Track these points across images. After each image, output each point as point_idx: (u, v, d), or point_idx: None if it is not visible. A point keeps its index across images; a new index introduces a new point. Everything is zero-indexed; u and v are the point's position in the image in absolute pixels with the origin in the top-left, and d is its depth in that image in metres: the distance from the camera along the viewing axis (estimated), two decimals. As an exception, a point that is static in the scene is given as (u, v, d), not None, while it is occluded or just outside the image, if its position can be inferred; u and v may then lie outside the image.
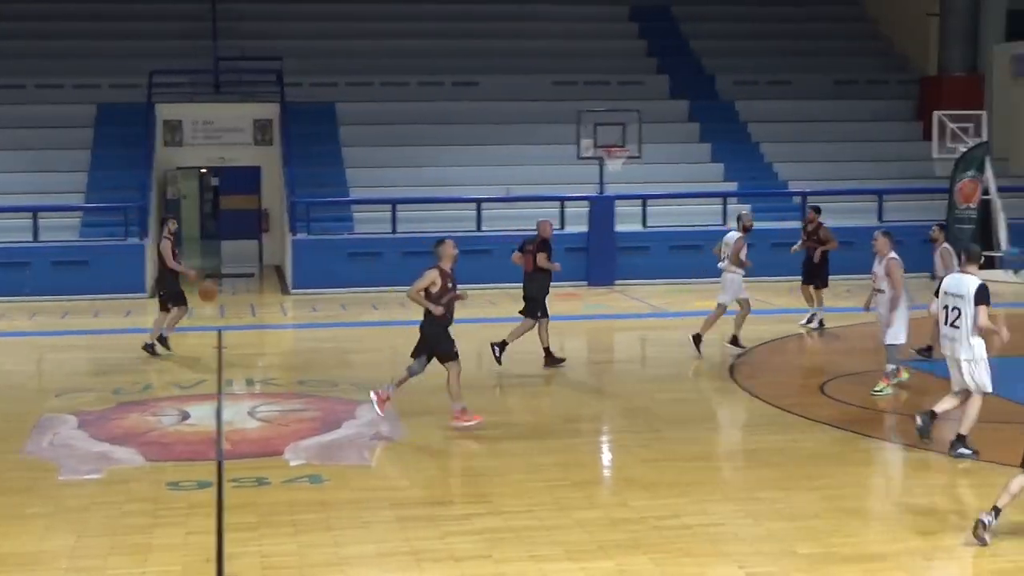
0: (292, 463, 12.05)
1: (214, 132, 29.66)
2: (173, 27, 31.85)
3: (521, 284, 17.07)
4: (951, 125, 27.07)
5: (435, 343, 13.40)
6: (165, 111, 29.31)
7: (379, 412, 13.38)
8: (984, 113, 27.82)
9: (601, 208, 25.66)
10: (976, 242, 22.76)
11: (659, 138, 28.24)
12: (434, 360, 13.43)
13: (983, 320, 11.72)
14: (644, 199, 26.51)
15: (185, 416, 14.12)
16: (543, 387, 15.89)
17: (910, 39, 34.35)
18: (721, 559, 9.30)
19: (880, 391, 15.03)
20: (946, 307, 11.99)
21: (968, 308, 11.74)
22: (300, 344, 18.23)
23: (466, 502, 10.78)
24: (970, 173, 26.36)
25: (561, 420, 13.95)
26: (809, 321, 20.00)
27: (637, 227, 26.10)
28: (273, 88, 29.55)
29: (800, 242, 20.96)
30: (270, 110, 29.59)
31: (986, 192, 26.37)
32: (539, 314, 16.89)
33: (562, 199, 26.29)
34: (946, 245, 16.82)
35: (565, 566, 9.15)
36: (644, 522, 10.15)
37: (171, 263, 17.89)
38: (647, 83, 31.96)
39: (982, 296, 11.71)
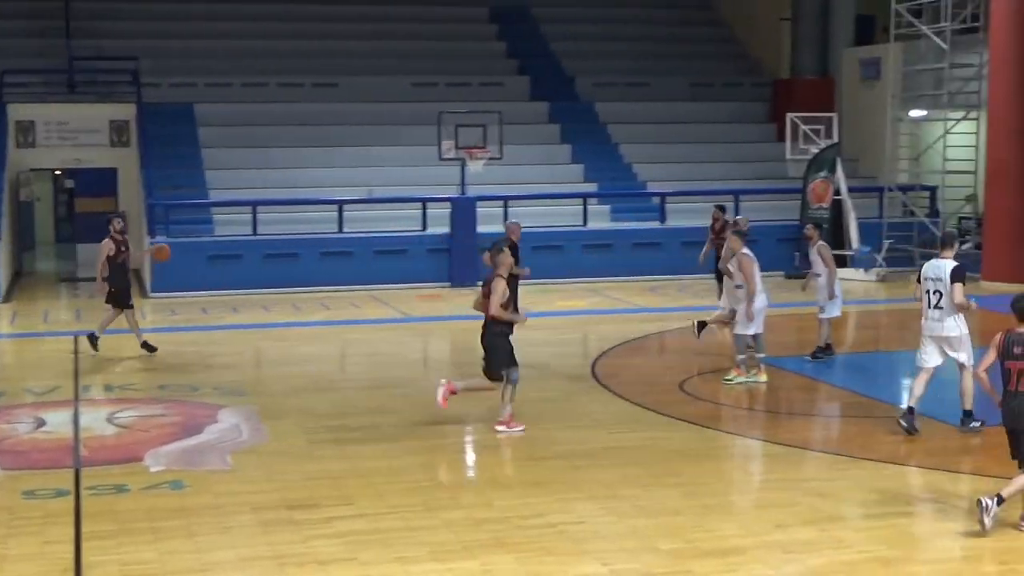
0: (152, 469, 11.88)
1: (69, 133, 29.00)
2: (24, 25, 31.07)
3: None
4: (803, 127, 27.67)
5: (511, 349, 13.33)
6: (17, 111, 28.61)
7: (516, 429, 13.20)
8: (835, 115, 28.49)
9: (463, 209, 25.73)
10: (828, 241, 23.33)
11: (520, 139, 28.40)
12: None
13: (959, 297, 12.63)
14: (506, 200, 26.64)
15: (40, 423, 13.83)
16: (406, 388, 15.87)
17: (763, 43, 35.08)
18: (584, 557, 9.41)
19: (731, 380, 15.45)
20: (928, 292, 12.82)
21: (947, 289, 12.69)
22: (160, 348, 17.94)
23: (329, 505, 10.73)
24: (822, 174, 26.99)
25: (424, 421, 13.94)
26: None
27: (499, 228, 26.17)
28: (130, 88, 29.05)
29: (708, 243, 21.32)
30: (127, 111, 29.05)
31: (837, 192, 27.00)
32: None
33: (424, 200, 26.29)
34: (822, 243, 17.24)
35: (430, 567, 9.18)
36: (508, 521, 10.22)
37: (100, 267, 17.60)
38: (508, 84, 32.11)
39: (957, 275, 12.70)
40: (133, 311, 17.99)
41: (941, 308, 12.78)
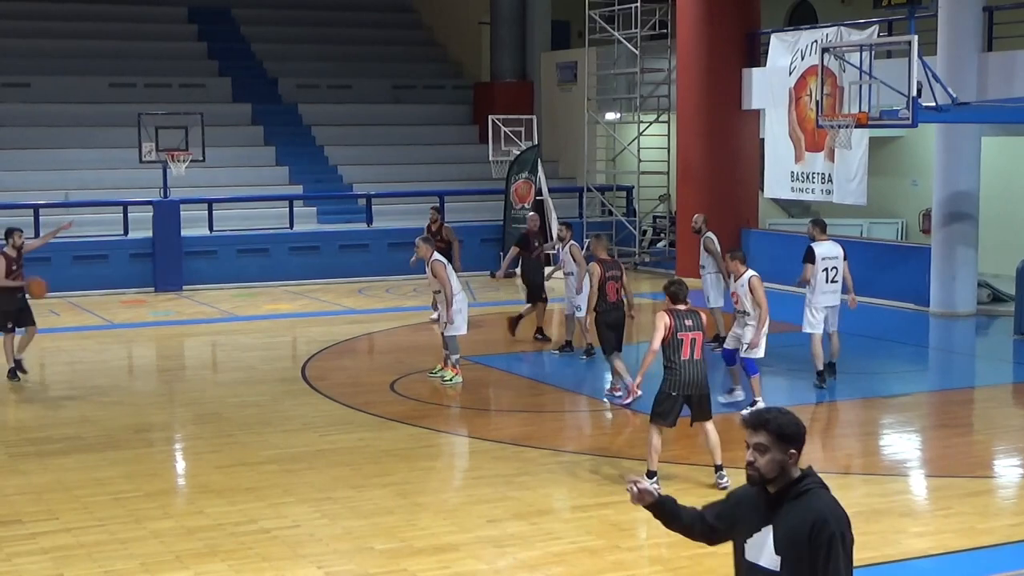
0: None
1: None
2: None
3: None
4: (504, 129, 28.25)
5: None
6: None
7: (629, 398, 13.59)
8: (534, 117, 29.20)
9: (165, 212, 25.17)
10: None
11: (223, 141, 28.01)
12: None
13: (806, 274, 15.25)
14: (210, 203, 26.21)
15: None
16: (110, 397, 15.46)
17: (463, 46, 35.62)
18: (299, 561, 9.42)
19: (436, 372, 15.69)
20: (825, 270, 15.19)
21: (841, 265, 15.26)
22: None
23: (32, 520, 10.38)
24: (524, 175, 27.63)
25: (129, 430, 13.63)
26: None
27: (204, 231, 25.78)
28: None
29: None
30: None
31: (539, 193, 27.67)
32: (543, 297, 18.99)
33: (124, 204, 25.61)
34: (573, 242, 17.65)
35: (141, 579, 9.03)
36: (221, 529, 10.13)
37: (2, 280, 15.93)
38: (209, 86, 31.59)
39: (809, 257, 15.24)
40: (10, 334, 16.37)
41: (836, 282, 15.30)
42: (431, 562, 9.37)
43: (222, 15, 34.43)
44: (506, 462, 12.51)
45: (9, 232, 16.53)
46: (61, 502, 10.90)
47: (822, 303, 15.32)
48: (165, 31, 33.55)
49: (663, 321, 10.93)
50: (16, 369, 16.29)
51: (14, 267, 16.10)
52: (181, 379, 17.28)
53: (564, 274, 17.66)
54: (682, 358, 10.90)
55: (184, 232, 25.18)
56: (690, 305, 11.20)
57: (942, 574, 9.45)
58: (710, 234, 18.11)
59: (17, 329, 16.32)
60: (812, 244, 15.44)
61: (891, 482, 11.59)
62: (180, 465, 12.88)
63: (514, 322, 18.89)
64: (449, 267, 15.66)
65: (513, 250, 19.43)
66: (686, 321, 10.95)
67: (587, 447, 12.96)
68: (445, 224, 21.12)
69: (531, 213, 21.35)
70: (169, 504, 10.96)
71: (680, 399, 11.03)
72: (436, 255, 15.63)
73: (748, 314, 14.09)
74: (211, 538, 9.90)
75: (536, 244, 19.24)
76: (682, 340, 10.90)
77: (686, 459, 12.35)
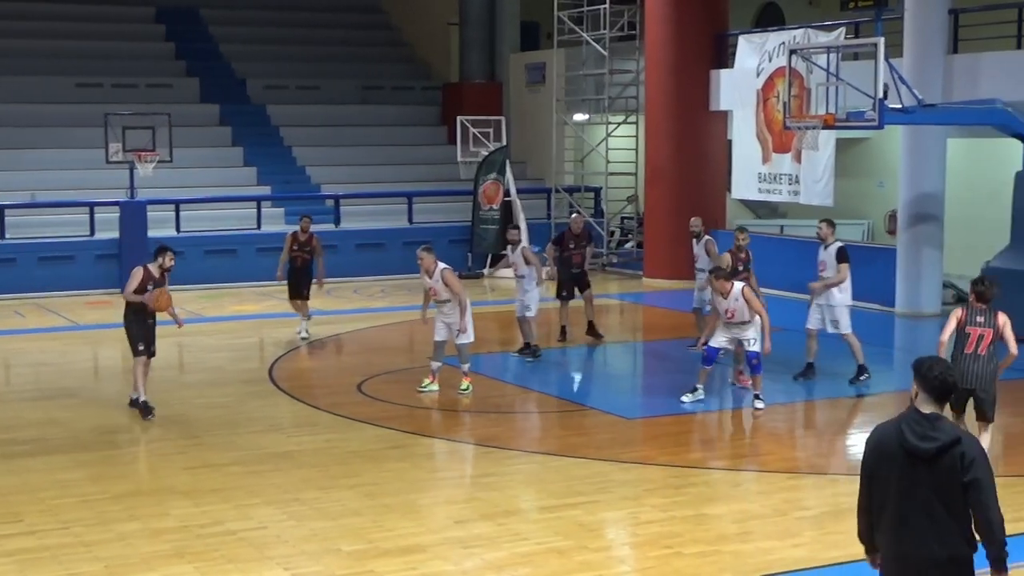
0: None
1: None
2: None
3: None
4: (473, 130, 28.24)
5: None
6: None
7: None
8: (503, 119, 29.20)
9: (132, 213, 25.03)
10: (498, 241, 23.99)
11: (191, 142, 27.88)
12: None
13: (844, 273, 15.66)
14: (177, 204, 26.10)
15: None
16: (75, 399, 15.38)
17: (432, 47, 35.59)
18: (266, 563, 9.39)
19: (426, 388, 15.43)
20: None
21: (834, 266, 15.55)
22: None
23: (-3, 523, 10.33)
24: (492, 176, 27.63)
25: (95, 432, 13.56)
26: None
27: (171, 232, 25.66)
28: None
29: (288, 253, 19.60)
30: None
31: (507, 194, 27.69)
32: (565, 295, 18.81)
33: (91, 204, 25.46)
34: (525, 244, 17.64)
35: (106, 582, 8.99)
36: (187, 531, 10.09)
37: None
38: (177, 86, 31.43)
39: (842, 256, 15.67)
40: None
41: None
42: (398, 563, 9.35)
43: (190, 15, 34.28)
44: (473, 463, 12.53)
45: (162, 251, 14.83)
46: (26, 504, 10.83)
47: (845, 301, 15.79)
48: (132, 31, 33.38)
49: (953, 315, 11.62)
50: None
51: (149, 285, 14.47)
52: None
53: (516, 276, 17.53)
54: (964, 351, 11.40)
55: (151, 233, 25.03)
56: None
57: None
58: (710, 237, 18.20)
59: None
60: (844, 246, 15.87)
61: (856, 482, 11.61)
62: (146, 467, 12.81)
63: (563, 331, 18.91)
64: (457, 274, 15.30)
65: (549, 248, 19.15)
66: (978, 317, 11.45)
67: (554, 448, 12.97)
68: (315, 235, 19.78)
69: (575, 215, 20.71)
70: (135, 506, 10.88)
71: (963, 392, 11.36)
72: (443, 264, 15.14)
73: (748, 322, 14.21)
74: (177, 540, 9.86)
75: (572, 245, 18.84)
76: (969, 334, 11.41)
77: (654, 460, 12.39)
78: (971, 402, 11.54)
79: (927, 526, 5.97)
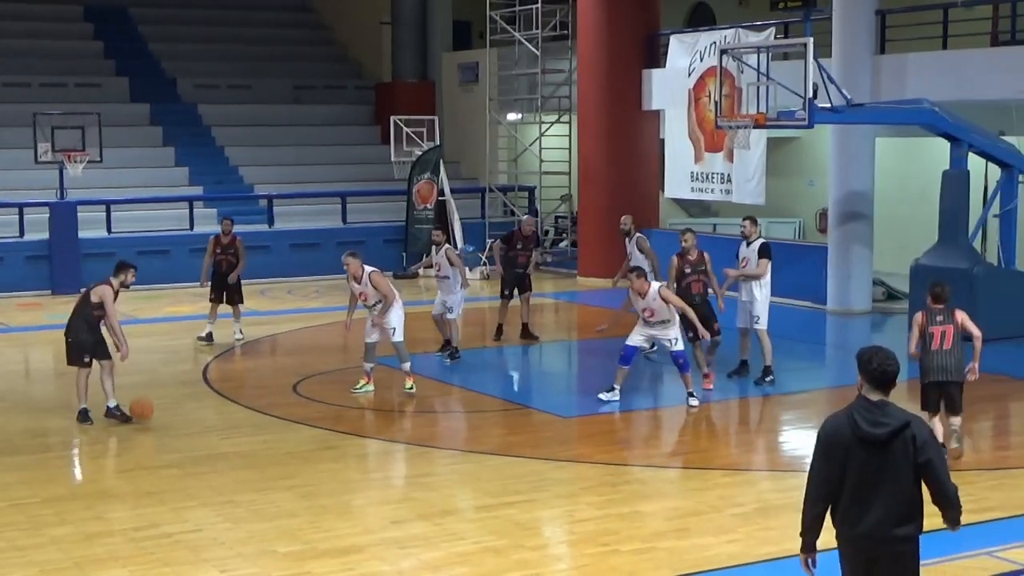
0: None
1: None
2: None
3: None
4: (407, 129, 28.20)
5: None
6: None
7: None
8: (436, 118, 29.18)
9: (62, 214, 24.78)
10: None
11: (121, 142, 27.64)
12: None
13: (762, 269, 15.71)
14: (108, 204, 25.86)
15: None
16: (6, 401, 15.19)
17: (364, 47, 35.48)
18: (201, 565, 9.35)
19: (360, 388, 15.38)
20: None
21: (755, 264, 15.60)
22: None
23: (-73, 529, 10.20)
24: (426, 175, 27.61)
25: (27, 435, 13.43)
26: (208, 338, 18.98)
27: (102, 233, 25.43)
28: None
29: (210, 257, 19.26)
30: None
31: (442, 193, 27.68)
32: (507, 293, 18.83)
33: (20, 205, 25.17)
34: (448, 245, 17.63)
35: (40, 586, 8.91)
36: (121, 534, 10.02)
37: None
38: (106, 85, 31.13)
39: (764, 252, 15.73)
40: None
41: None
42: (335, 564, 9.35)
43: (119, 14, 33.96)
44: (409, 463, 12.54)
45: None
46: (-44, 510, 10.72)
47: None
48: (61, 30, 33.01)
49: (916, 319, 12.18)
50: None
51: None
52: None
53: (439, 277, 17.41)
54: (932, 348, 11.88)
55: (82, 234, 24.82)
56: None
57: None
58: (641, 234, 18.26)
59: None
60: (768, 243, 15.92)
61: (790, 478, 11.76)
62: (79, 470, 12.69)
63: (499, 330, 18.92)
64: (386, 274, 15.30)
65: (497, 246, 19.29)
66: (937, 317, 11.97)
67: (491, 447, 13.00)
68: (237, 236, 19.40)
69: (527, 216, 20.78)
70: (68, 510, 10.78)
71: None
72: (369, 267, 15.09)
73: (668, 321, 14.30)
74: (111, 544, 9.79)
75: (519, 246, 18.87)
76: (932, 334, 11.88)
77: (590, 458, 12.47)
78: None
79: (881, 506, 6.36)
